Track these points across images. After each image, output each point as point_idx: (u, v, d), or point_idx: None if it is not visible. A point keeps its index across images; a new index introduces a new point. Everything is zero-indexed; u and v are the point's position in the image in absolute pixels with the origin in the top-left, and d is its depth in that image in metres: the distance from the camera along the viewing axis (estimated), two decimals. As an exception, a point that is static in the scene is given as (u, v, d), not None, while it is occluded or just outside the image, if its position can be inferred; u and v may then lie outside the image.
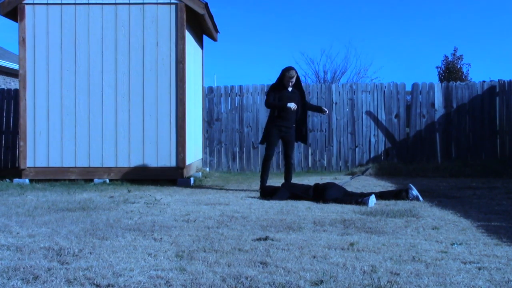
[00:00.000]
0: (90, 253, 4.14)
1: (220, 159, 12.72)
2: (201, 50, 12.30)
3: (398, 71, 42.95)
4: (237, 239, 4.64)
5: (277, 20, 45.55)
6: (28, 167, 9.45)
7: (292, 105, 8.11)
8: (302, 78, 28.68)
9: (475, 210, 6.30)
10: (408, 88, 12.65)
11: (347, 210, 6.34)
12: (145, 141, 9.44)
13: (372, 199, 6.80)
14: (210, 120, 12.76)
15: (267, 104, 8.31)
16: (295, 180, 9.38)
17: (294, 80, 8.21)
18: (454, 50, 30.98)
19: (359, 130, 12.61)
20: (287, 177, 8.48)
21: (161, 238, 4.68)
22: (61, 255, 4.08)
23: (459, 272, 3.63)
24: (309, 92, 12.72)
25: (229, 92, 12.79)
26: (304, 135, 8.51)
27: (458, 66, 30.51)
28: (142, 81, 9.46)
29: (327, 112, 8.77)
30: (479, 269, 3.71)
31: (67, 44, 9.50)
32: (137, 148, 9.44)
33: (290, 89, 8.31)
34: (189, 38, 10.10)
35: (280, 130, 8.28)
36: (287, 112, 8.20)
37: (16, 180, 9.44)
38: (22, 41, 9.45)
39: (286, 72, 8.19)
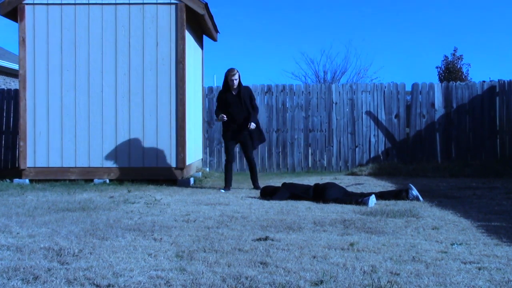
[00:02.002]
0: (90, 253, 4.15)
1: (220, 159, 12.72)
2: (201, 50, 12.30)
3: (398, 71, 42.95)
4: (237, 239, 4.64)
5: (277, 20, 45.55)
6: (28, 167, 9.45)
7: (220, 117, 8.48)
8: (302, 78, 28.85)
9: (475, 210, 6.30)
10: (408, 88, 12.65)
11: (347, 210, 6.34)
12: (145, 141, 9.44)
13: (372, 199, 6.80)
14: (210, 120, 12.76)
15: (215, 113, 8.83)
16: (295, 180, 9.39)
17: (236, 77, 8.50)
18: (454, 50, 30.96)
19: (359, 130, 12.61)
20: (252, 177, 8.78)
21: (161, 238, 4.68)
22: (61, 255, 4.08)
23: (459, 272, 3.63)
24: (309, 92, 12.73)
25: (229, 92, 12.77)
26: (253, 136, 8.63)
27: (458, 66, 30.49)
28: (142, 81, 9.46)
29: (251, 127, 8.56)
30: (479, 269, 3.71)
31: (67, 44, 9.50)
32: (137, 148, 9.44)
33: (235, 92, 8.57)
34: (189, 38, 10.10)
35: (234, 132, 8.58)
36: (234, 115, 8.50)
37: (16, 180, 9.43)
38: (22, 41, 9.45)
39: (227, 73, 8.53)
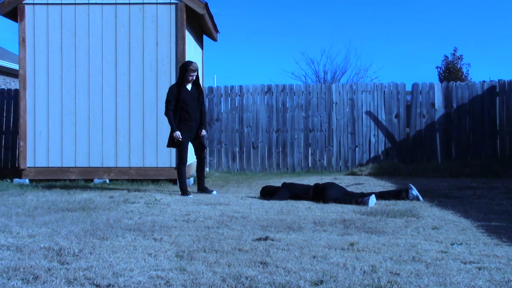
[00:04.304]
0: (90, 253, 4.14)
1: (220, 159, 12.72)
2: (201, 50, 12.30)
3: (398, 71, 42.96)
4: (237, 239, 4.64)
5: (277, 20, 45.57)
6: (28, 167, 9.46)
7: (177, 134, 7.78)
8: (302, 78, 28.79)
9: (475, 210, 6.30)
10: (408, 88, 12.65)
11: (347, 210, 6.33)
12: (145, 141, 9.44)
13: (372, 199, 6.80)
14: (210, 120, 12.76)
15: (167, 113, 7.86)
16: (295, 180, 9.38)
17: (196, 74, 7.88)
18: (454, 50, 30.99)
19: (359, 130, 12.61)
20: (203, 178, 8.15)
21: (161, 238, 4.68)
22: (61, 255, 4.08)
23: (459, 272, 3.63)
24: (309, 92, 12.73)
25: (229, 92, 12.80)
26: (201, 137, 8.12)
27: (458, 66, 30.51)
28: (142, 81, 9.46)
29: (205, 134, 8.18)
30: (479, 269, 3.71)
31: (67, 44, 9.50)
32: (137, 148, 9.44)
33: (189, 87, 7.93)
34: (189, 38, 10.10)
35: (191, 131, 7.98)
36: (192, 112, 7.89)
37: (16, 180, 9.44)
38: (22, 41, 9.45)
39: (189, 65, 7.83)
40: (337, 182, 8.61)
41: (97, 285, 3.38)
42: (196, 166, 8.30)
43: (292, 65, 49.54)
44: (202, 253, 4.16)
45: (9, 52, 20.45)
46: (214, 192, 8.05)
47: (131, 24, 9.48)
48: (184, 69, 7.87)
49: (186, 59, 9.59)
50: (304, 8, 43.77)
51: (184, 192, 7.82)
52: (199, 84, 8.12)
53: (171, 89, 7.97)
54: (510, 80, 12.03)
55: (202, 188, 8.15)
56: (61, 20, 9.51)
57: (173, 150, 9.41)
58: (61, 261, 3.90)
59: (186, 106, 7.88)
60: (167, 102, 7.89)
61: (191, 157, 10.43)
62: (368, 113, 12.60)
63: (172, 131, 7.86)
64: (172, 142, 8.00)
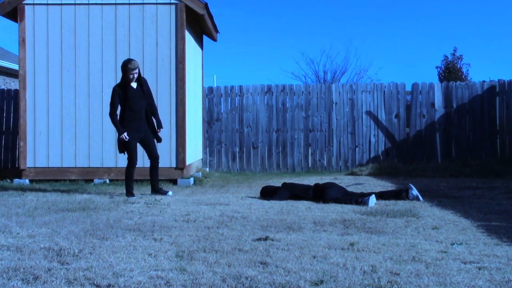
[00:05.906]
0: (90, 253, 4.14)
1: (220, 159, 12.73)
2: (201, 50, 12.30)
3: (398, 71, 42.93)
4: (237, 239, 4.64)
5: (277, 20, 45.55)
6: (28, 167, 9.46)
7: (124, 136, 7.51)
8: (302, 78, 28.78)
9: (475, 210, 6.30)
10: (408, 88, 12.66)
11: (347, 210, 6.33)
12: (145, 141, 9.42)
13: (372, 199, 6.80)
14: (210, 120, 12.77)
15: (112, 116, 7.58)
16: (295, 180, 9.38)
17: (137, 71, 7.58)
18: (454, 50, 30.96)
19: (359, 130, 12.61)
20: (155, 178, 7.88)
21: (161, 238, 4.67)
22: (61, 255, 4.08)
23: (459, 272, 3.63)
24: (309, 92, 12.73)
25: (229, 92, 12.80)
26: (155, 131, 7.85)
27: (458, 66, 30.49)
28: (142, 81, 9.45)
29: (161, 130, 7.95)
30: (479, 269, 3.71)
31: (67, 44, 9.50)
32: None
33: (134, 85, 7.64)
34: (189, 38, 10.10)
35: (139, 130, 7.68)
36: (138, 111, 7.63)
37: (16, 181, 9.44)
38: (22, 41, 9.45)
39: (128, 64, 7.54)
40: (337, 182, 8.61)
41: (97, 285, 3.37)
42: (150, 166, 7.91)
43: (292, 65, 49.57)
44: (202, 253, 4.16)
45: (9, 52, 20.45)
46: (170, 193, 7.78)
47: (131, 24, 9.48)
48: (124, 68, 7.59)
49: (186, 59, 9.60)
50: (304, 8, 43.79)
51: (129, 193, 7.57)
52: (143, 83, 7.76)
53: (114, 89, 7.68)
54: (510, 80, 12.04)
55: (156, 189, 7.86)
56: (61, 20, 9.51)
57: (173, 149, 9.41)
58: (61, 261, 3.90)
59: (132, 105, 7.59)
60: (112, 103, 7.61)
61: (192, 157, 10.45)
62: (368, 113, 12.61)
63: (120, 133, 7.56)
64: (123, 146, 7.66)
